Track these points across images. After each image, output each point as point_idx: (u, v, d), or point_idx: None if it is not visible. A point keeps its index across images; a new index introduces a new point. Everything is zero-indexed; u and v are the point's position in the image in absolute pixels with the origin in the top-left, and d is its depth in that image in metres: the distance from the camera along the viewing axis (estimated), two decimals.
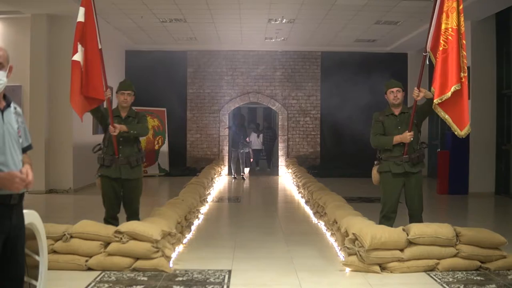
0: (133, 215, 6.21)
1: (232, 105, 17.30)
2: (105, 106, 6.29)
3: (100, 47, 5.97)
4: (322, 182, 11.12)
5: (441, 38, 5.65)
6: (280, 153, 17.32)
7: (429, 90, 5.88)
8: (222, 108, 17.20)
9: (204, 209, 9.69)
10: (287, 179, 15.58)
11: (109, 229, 5.59)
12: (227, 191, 13.53)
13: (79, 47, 5.67)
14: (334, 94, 16.92)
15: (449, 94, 5.57)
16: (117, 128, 5.83)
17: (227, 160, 16.96)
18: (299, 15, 12.70)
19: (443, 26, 5.65)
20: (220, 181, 15.07)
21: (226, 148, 16.98)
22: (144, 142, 16.20)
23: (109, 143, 6.06)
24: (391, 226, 6.07)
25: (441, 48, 5.68)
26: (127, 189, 6.16)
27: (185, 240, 6.91)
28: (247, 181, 15.62)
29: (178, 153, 16.98)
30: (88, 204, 10.83)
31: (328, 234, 7.44)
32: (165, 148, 16.68)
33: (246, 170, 16.58)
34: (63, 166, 12.24)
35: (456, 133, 5.68)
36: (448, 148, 12.84)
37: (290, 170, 14.91)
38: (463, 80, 5.58)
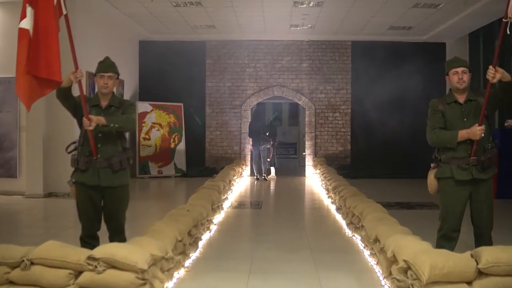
0: (116, 234, 4.87)
1: (254, 99, 15.92)
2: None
3: (65, 12, 4.59)
4: (353, 183, 9.76)
5: None
6: (307, 151, 15.89)
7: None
8: (243, 103, 15.84)
9: (218, 217, 8.34)
10: (314, 180, 14.17)
11: (81, 254, 4.23)
12: (248, 194, 12.16)
13: (28, 9, 4.31)
14: (366, 88, 15.52)
15: None
16: (93, 121, 4.47)
17: (249, 159, 15.61)
18: None
19: None
20: (241, 183, 13.73)
21: (248, 147, 15.62)
22: (159, 139, 14.99)
23: (85, 141, 4.72)
24: (453, 249, 4.63)
25: None
26: (109, 200, 4.82)
27: (188, 262, 5.56)
28: (272, 183, 14.23)
29: (196, 152, 15.69)
30: None
31: (366, 252, 6.03)
32: (181, 146, 15.39)
33: (272, 170, 15.16)
34: (63, 167, 10.79)
35: None
36: (497, 145, 11.31)
37: (318, 171, 13.47)
38: None
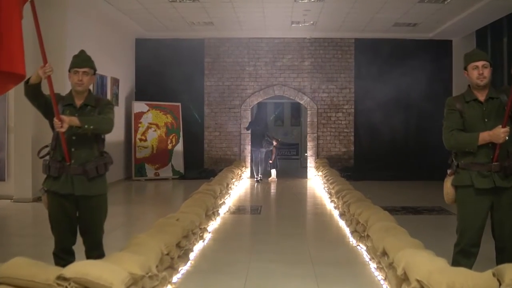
0: (93, 249, 4.35)
1: (254, 99, 15.41)
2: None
3: None
4: (356, 186, 9.23)
5: None
6: (309, 152, 15.36)
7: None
8: (243, 102, 15.32)
9: (214, 224, 7.82)
10: (317, 183, 13.64)
11: (51, 273, 3.71)
12: (247, 198, 11.64)
13: None
14: (370, 87, 14.99)
15: None
16: (64, 122, 3.94)
17: (249, 160, 15.09)
18: None
19: None
20: (241, 186, 13.21)
21: (248, 148, 15.09)
22: (155, 140, 14.48)
23: (57, 145, 4.21)
24: (472, 267, 4.11)
25: None
26: (84, 211, 4.29)
27: (177, 277, 5.05)
28: (272, 185, 13.72)
29: (194, 154, 15.17)
30: None
31: (372, 265, 5.51)
32: (179, 147, 14.88)
33: (273, 172, 14.66)
34: None
35: None
36: None
37: (320, 173, 12.94)
38: None
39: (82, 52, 4.35)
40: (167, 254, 4.78)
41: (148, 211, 9.87)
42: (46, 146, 4.33)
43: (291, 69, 15.33)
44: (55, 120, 3.95)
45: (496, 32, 13.49)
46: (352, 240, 6.76)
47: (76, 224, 4.32)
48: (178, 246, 5.20)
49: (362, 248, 6.25)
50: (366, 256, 5.91)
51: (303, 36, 15.16)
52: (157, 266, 4.41)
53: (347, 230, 7.35)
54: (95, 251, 4.30)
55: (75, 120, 3.98)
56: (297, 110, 21.37)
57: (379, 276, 5.10)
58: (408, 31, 14.74)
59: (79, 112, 4.20)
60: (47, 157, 4.26)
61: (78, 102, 4.27)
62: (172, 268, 4.95)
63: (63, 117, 3.96)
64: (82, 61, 4.25)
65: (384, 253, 4.83)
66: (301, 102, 15.61)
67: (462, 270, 3.80)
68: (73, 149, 4.16)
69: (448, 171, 4.35)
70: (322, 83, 15.31)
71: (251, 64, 15.33)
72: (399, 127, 15.09)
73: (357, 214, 6.59)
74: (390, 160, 14.90)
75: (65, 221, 4.25)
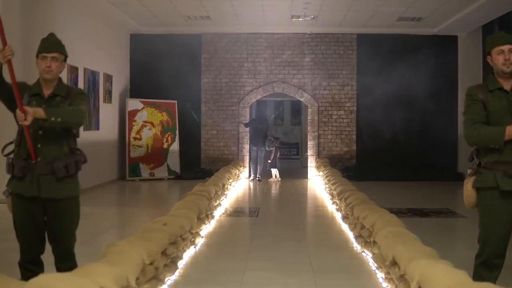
0: (63, 259, 3.83)
1: (253, 96, 14.89)
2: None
3: None
4: (359, 186, 8.70)
5: None
6: (310, 152, 14.84)
7: None
8: (241, 100, 14.81)
9: (208, 228, 7.31)
10: (317, 183, 13.13)
11: None
12: (245, 199, 11.14)
13: None
14: (372, 84, 14.45)
15: None
16: (28, 114, 3.41)
17: (247, 160, 14.59)
18: None
19: None
20: (239, 186, 12.70)
21: (246, 147, 14.58)
22: (150, 139, 13.97)
23: (22, 140, 3.69)
24: (495, 280, 3.59)
25: None
26: (52, 216, 3.76)
27: None
28: (273, 186, 13.23)
29: (190, 153, 14.64)
30: None
31: (379, 274, 5.00)
32: (175, 146, 14.36)
33: (275, 171, 14.19)
34: None
35: None
36: None
37: (321, 173, 12.42)
38: None
39: (51, 35, 3.82)
40: (151, 264, 4.27)
41: (141, 213, 9.34)
42: (11, 143, 3.81)
43: (291, 66, 14.82)
44: (18, 111, 3.42)
45: (503, 27, 12.95)
46: (357, 246, 6.25)
47: (44, 231, 3.79)
48: (164, 254, 4.69)
49: (367, 255, 5.74)
50: (372, 264, 5.39)
51: (303, 31, 14.65)
52: (137, 278, 3.90)
53: (350, 235, 6.85)
54: (65, 262, 3.78)
55: (40, 112, 3.45)
56: (297, 109, 20.87)
57: (388, 287, 4.58)
58: (412, 26, 14.24)
59: (47, 103, 3.67)
60: (12, 155, 3.74)
61: (47, 92, 3.74)
62: (157, 279, 4.43)
63: (27, 108, 3.43)
64: (51, 45, 3.72)
65: (394, 263, 4.32)
66: (302, 100, 15.08)
67: (485, 285, 3.28)
68: (39, 146, 3.63)
69: (469, 171, 3.80)
70: (323, 80, 14.80)
71: (249, 61, 14.81)
72: (403, 125, 14.58)
73: (362, 218, 6.07)
74: (394, 159, 14.38)
75: (31, 228, 3.71)
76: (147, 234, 4.63)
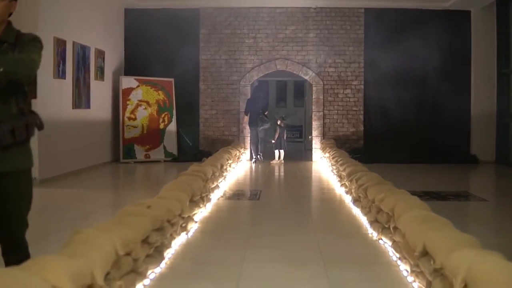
0: (12, 249, 3.03)
1: (255, 74, 14.05)
2: None
3: None
4: (368, 168, 7.85)
5: None
6: (315, 133, 14.03)
7: None
8: (242, 78, 13.98)
9: (204, 212, 6.55)
10: (323, 165, 12.35)
11: None
12: (245, 182, 10.36)
13: None
14: (381, 61, 13.57)
15: None
16: None
17: (248, 141, 13.81)
18: None
19: None
20: (239, 168, 11.94)
21: (247, 127, 13.77)
22: (146, 119, 13.19)
23: None
24: None
25: None
26: None
27: (143, 284, 3.77)
28: (276, 168, 12.45)
29: (188, 134, 13.85)
30: (58, 201, 8.01)
31: (402, 265, 4.23)
32: (172, 127, 13.57)
33: (276, 153, 13.44)
34: None
35: None
36: None
37: (327, 154, 11.62)
38: None
39: None
40: (128, 254, 3.50)
41: (133, 196, 8.56)
42: None
43: (294, 42, 13.95)
44: None
45: None
46: (372, 233, 5.47)
47: None
48: (146, 242, 3.92)
49: (385, 243, 4.96)
50: (392, 254, 4.62)
51: (308, 5, 13.77)
52: (108, 273, 3.13)
53: (363, 220, 6.07)
54: (14, 254, 2.98)
55: None
56: (300, 90, 20.04)
57: (415, 283, 3.80)
58: (423, 0, 13.37)
59: None
60: None
61: None
62: (136, 273, 3.66)
63: None
64: None
65: (425, 253, 3.53)
66: (306, 78, 14.23)
67: None
68: None
69: None
70: (329, 57, 13.94)
71: (251, 36, 13.95)
72: (413, 105, 13.74)
73: (379, 200, 5.28)
74: (403, 141, 13.58)
75: None
76: (125, 218, 3.86)
